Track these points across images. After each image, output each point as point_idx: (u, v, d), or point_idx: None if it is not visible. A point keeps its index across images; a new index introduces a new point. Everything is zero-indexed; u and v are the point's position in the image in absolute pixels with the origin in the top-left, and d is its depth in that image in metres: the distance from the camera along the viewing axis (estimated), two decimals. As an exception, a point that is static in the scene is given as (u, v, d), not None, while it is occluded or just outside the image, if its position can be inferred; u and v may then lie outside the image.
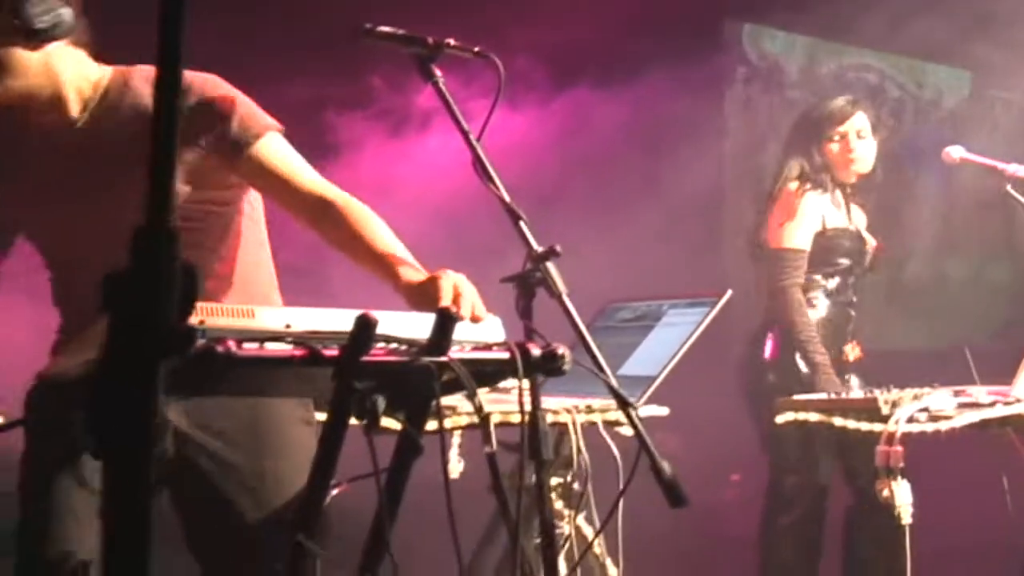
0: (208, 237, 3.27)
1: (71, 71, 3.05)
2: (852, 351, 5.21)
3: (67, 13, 2.97)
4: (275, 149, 3.12)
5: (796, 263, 5.15)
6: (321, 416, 3.27)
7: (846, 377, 5.16)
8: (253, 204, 3.33)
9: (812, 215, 5.20)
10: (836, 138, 5.21)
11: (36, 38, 2.94)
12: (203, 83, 3.12)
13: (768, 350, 5.10)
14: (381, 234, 3.05)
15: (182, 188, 3.18)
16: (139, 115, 3.06)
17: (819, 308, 5.19)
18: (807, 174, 5.25)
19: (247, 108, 3.12)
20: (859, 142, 5.22)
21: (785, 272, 5.13)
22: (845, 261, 5.24)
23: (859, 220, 5.38)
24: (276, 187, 3.15)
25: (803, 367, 5.07)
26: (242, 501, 3.19)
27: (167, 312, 1.39)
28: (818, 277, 5.21)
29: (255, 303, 3.06)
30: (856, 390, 4.95)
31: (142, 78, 3.13)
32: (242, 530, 3.19)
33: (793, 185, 5.25)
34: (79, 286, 3.10)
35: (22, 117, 3.10)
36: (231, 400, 3.07)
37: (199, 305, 2.46)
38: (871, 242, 5.32)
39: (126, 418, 1.42)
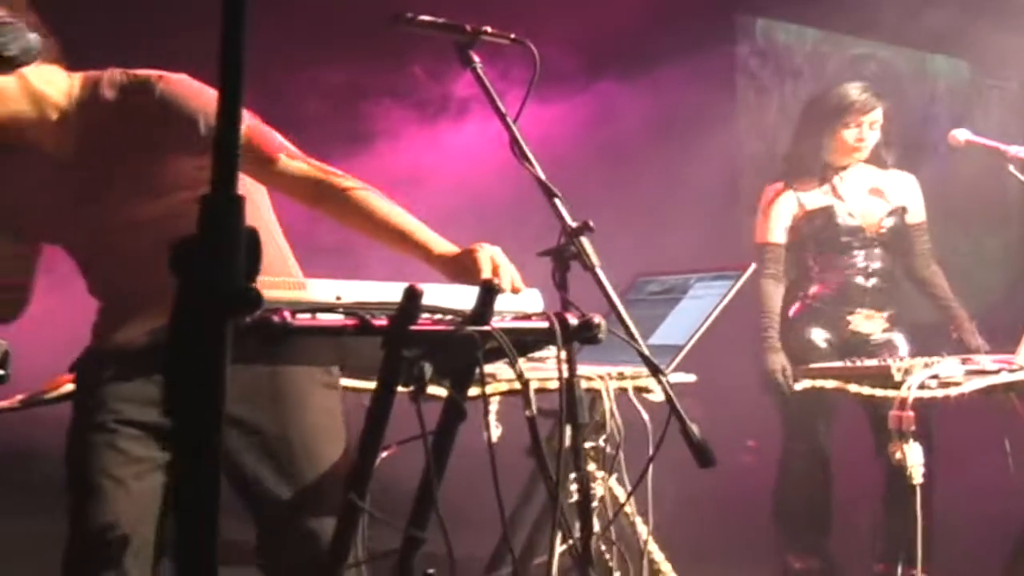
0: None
1: (48, 88, 3.02)
2: (866, 321, 5.18)
3: (34, 38, 2.96)
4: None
5: (770, 256, 5.22)
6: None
7: (869, 346, 5.15)
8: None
9: (785, 210, 5.24)
10: (852, 126, 5.16)
11: (10, 65, 2.93)
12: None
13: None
14: (392, 209, 3.02)
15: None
16: (115, 116, 3.02)
17: (835, 284, 5.17)
18: (784, 168, 5.32)
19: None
20: (870, 132, 5.18)
21: (760, 263, 5.13)
22: (840, 237, 5.21)
23: (865, 195, 5.30)
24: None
25: (818, 340, 5.05)
26: (265, 468, 3.13)
27: (234, 275, 1.37)
28: (829, 255, 5.20)
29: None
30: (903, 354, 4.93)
31: (109, 82, 3.08)
32: (267, 498, 3.14)
33: (768, 188, 5.34)
34: (111, 273, 3.09)
35: (16, 139, 3.08)
36: (254, 368, 3.01)
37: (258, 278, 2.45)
38: (874, 215, 5.25)
39: (197, 376, 1.40)
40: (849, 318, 5.15)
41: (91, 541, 2.91)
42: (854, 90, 5.22)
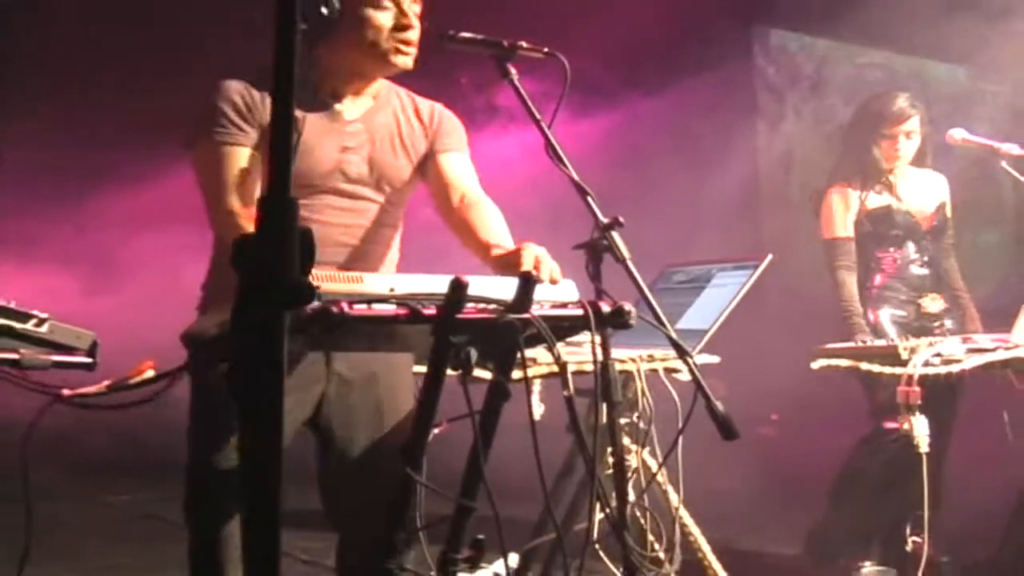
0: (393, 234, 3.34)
1: None
2: (932, 303, 5.11)
3: None
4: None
5: (843, 249, 5.12)
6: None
7: (936, 324, 5.07)
8: None
9: (848, 208, 5.15)
10: (889, 136, 5.10)
11: None
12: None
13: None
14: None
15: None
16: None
17: (892, 274, 5.13)
18: (843, 171, 5.21)
19: None
20: (907, 142, 5.13)
21: (831, 258, 5.11)
22: (899, 232, 5.14)
23: (914, 190, 5.24)
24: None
25: (887, 326, 5.02)
26: (362, 432, 3.19)
27: (290, 269, 1.35)
28: (890, 249, 5.14)
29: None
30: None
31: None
32: (335, 444, 3.20)
33: (830, 188, 5.22)
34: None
35: None
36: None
37: (315, 272, 2.44)
38: (925, 210, 5.20)
39: (258, 363, 1.38)
40: (920, 302, 5.10)
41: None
42: (891, 101, 5.16)
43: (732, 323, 3.75)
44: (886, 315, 5.04)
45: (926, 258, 5.17)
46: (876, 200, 5.15)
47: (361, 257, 3.20)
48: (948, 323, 5.10)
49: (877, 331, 4.97)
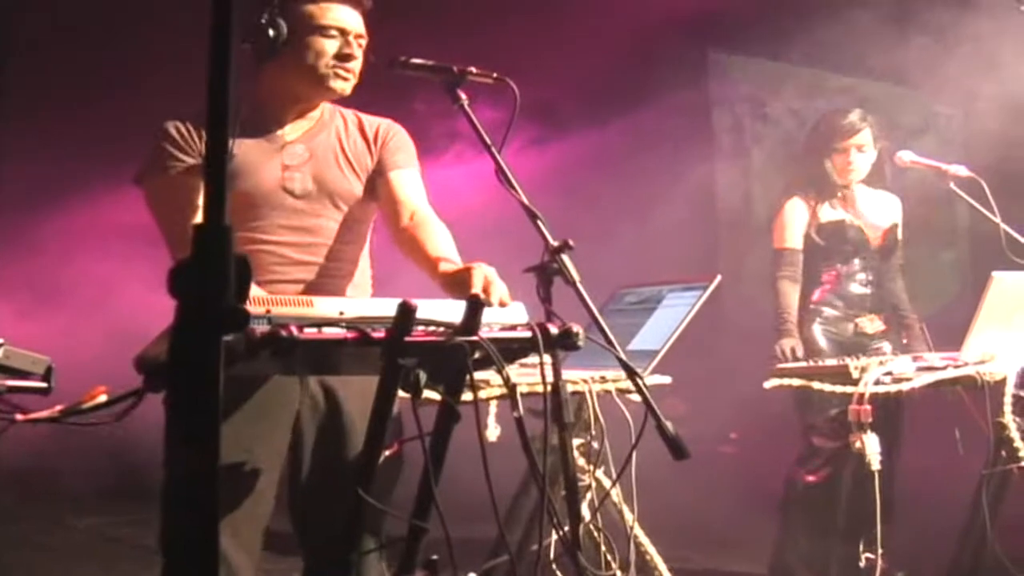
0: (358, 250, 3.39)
1: None
2: (871, 323, 5.15)
3: None
4: None
5: (788, 259, 5.16)
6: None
7: (872, 345, 5.10)
8: None
9: (800, 220, 5.19)
10: (841, 150, 5.15)
11: None
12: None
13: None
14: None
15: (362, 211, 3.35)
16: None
17: (838, 290, 5.16)
18: (797, 184, 5.26)
19: None
20: (859, 156, 5.17)
21: (776, 267, 5.15)
22: (848, 247, 5.19)
23: (867, 208, 5.30)
24: None
25: (821, 341, 5.03)
26: (315, 431, 3.20)
27: (225, 296, 1.37)
28: (836, 264, 5.18)
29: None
30: (889, 355, 4.85)
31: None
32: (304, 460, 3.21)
33: (784, 200, 5.27)
34: None
35: None
36: None
37: (266, 296, 2.47)
38: (877, 227, 5.25)
39: (195, 389, 1.40)
40: (857, 320, 5.13)
41: None
42: (843, 116, 5.21)
43: (691, 342, 3.77)
44: (819, 330, 5.08)
45: (870, 277, 5.21)
46: (829, 214, 5.19)
47: (325, 274, 3.26)
48: (885, 346, 5.13)
49: (810, 345, 5.01)
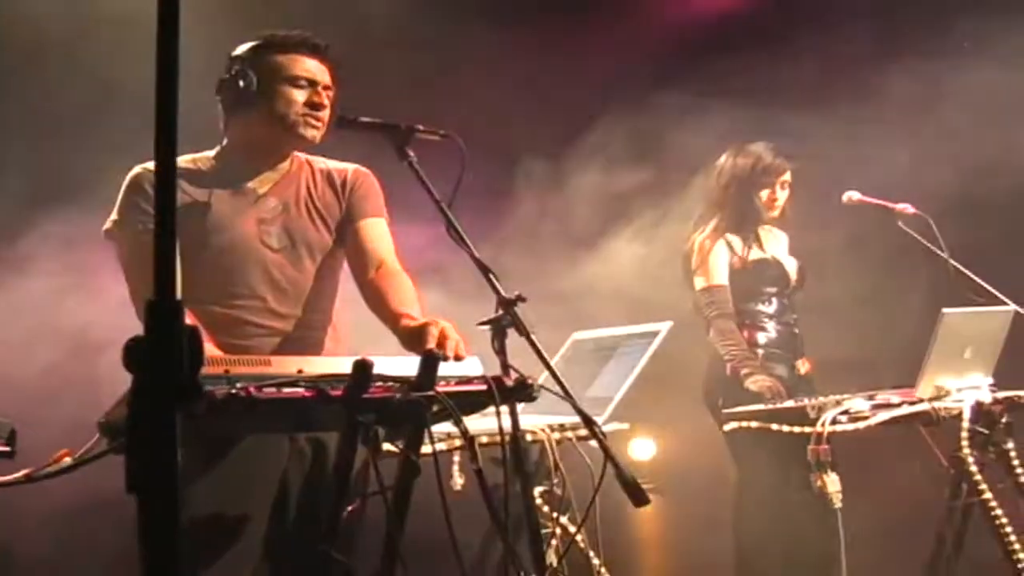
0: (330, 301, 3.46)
1: None
2: (803, 366, 5.20)
3: None
4: None
5: (722, 296, 5.15)
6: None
7: (805, 387, 5.10)
8: None
9: (723, 258, 5.20)
10: (770, 185, 5.21)
11: None
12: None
13: (729, 369, 5.06)
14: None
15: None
16: None
17: (769, 331, 5.19)
18: (722, 221, 5.26)
19: None
20: (782, 193, 5.23)
21: (712, 306, 5.14)
22: (772, 288, 5.23)
23: (777, 247, 5.38)
24: None
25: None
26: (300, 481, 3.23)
27: (178, 370, 1.41)
28: (759, 306, 5.22)
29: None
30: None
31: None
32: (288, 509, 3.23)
33: (703, 235, 5.25)
34: None
35: None
36: None
37: (224, 358, 2.51)
38: (791, 265, 5.32)
39: (152, 459, 1.44)
40: (796, 363, 5.18)
41: None
42: (768, 152, 5.24)
43: (662, 382, 3.82)
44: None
45: (795, 316, 5.27)
46: (754, 251, 5.22)
47: (304, 325, 3.34)
48: (816, 388, 5.13)
49: (740, 396, 4.87)
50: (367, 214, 3.43)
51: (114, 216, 3.28)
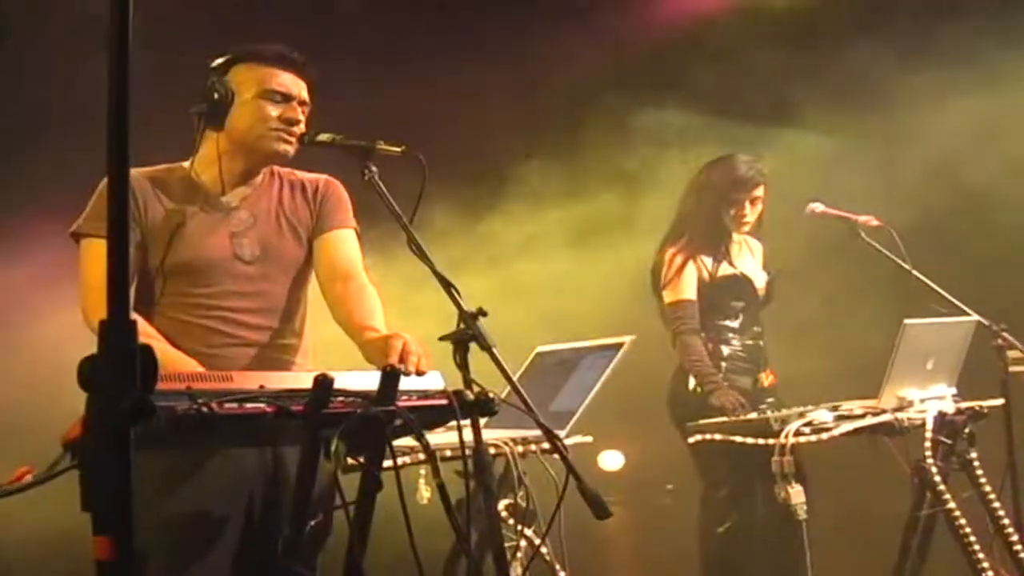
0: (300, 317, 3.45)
1: None
2: (766, 378, 5.23)
3: None
4: None
5: (690, 311, 5.16)
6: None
7: (767, 401, 5.13)
8: None
9: (692, 273, 5.21)
10: (740, 201, 5.23)
11: None
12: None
13: (692, 383, 5.08)
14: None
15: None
16: None
17: (733, 345, 5.21)
18: (691, 236, 5.28)
19: None
20: (752, 209, 5.25)
21: (679, 321, 5.15)
22: (739, 303, 5.26)
23: (748, 260, 5.41)
24: None
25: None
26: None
27: (132, 389, 1.43)
28: (726, 320, 5.24)
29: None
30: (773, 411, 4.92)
31: None
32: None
33: (672, 250, 5.27)
34: None
35: None
36: None
37: (186, 373, 2.52)
38: (760, 279, 5.36)
39: (106, 477, 1.45)
40: (759, 375, 5.21)
41: None
42: (741, 166, 5.26)
43: (630, 394, 3.82)
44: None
45: (759, 329, 5.30)
46: (723, 266, 5.24)
47: (278, 336, 3.34)
48: (779, 399, 5.16)
49: (703, 409, 4.88)
50: (336, 225, 3.45)
51: (83, 218, 3.27)
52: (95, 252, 3.21)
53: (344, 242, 3.45)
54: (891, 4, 6.51)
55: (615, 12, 6.91)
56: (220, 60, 3.37)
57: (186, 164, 3.40)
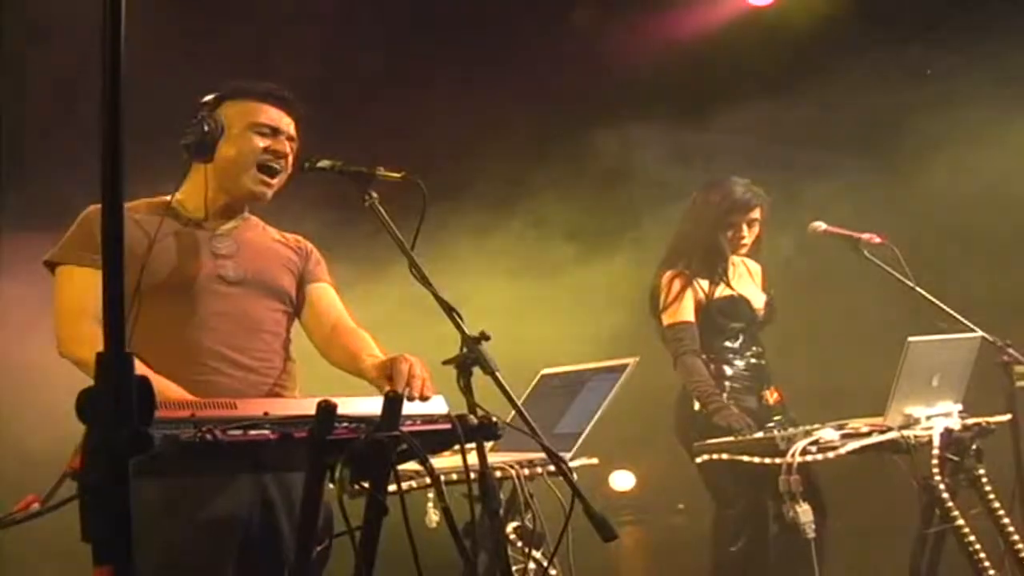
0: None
1: None
2: (771, 396, 5.22)
3: None
4: None
5: (690, 333, 5.16)
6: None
7: (775, 419, 5.10)
8: None
9: (690, 294, 5.21)
10: (735, 224, 5.24)
11: None
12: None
13: (697, 404, 5.06)
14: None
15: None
16: None
17: (736, 365, 5.21)
18: (689, 258, 5.28)
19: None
20: (748, 231, 5.26)
21: (679, 343, 5.14)
22: (738, 324, 5.26)
23: (746, 282, 5.41)
24: None
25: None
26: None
27: (130, 420, 1.43)
28: (726, 341, 5.24)
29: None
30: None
31: None
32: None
33: (670, 273, 5.27)
34: None
35: None
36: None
37: (191, 401, 2.53)
38: (759, 300, 5.35)
39: (106, 507, 1.45)
40: (763, 393, 5.19)
41: None
42: (737, 189, 5.27)
43: (640, 414, 3.82)
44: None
45: (760, 348, 5.29)
46: (715, 289, 5.24)
47: (261, 359, 3.32)
48: (784, 418, 5.13)
49: (711, 429, 4.84)
50: (322, 278, 3.56)
51: (61, 247, 3.26)
52: (73, 279, 3.19)
53: (330, 293, 3.56)
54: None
55: (621, 34, 6.94)
56: (210, 97, 3.40)
57: (167, 197, 3.39)
